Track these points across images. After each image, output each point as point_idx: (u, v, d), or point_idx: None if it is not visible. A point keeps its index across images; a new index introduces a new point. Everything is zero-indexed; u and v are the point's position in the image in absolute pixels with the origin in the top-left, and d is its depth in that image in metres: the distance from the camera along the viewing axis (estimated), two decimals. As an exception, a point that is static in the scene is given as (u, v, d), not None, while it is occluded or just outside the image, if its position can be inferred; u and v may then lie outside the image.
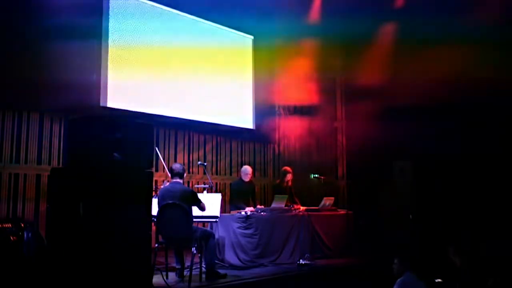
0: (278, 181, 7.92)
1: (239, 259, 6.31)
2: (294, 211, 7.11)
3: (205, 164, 7.54)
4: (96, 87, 6.97)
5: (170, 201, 5.27)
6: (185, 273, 5.50)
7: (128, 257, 4.27)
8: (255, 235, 6.47)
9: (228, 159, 9.07)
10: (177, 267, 5.63)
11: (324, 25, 9.36)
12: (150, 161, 4.85)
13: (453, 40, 8.20)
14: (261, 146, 9.75)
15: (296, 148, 10.31)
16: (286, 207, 7.08)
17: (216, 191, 7.94)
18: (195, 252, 5.22)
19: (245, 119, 9.29)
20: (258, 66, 9.44)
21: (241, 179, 7.38)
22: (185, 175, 5.69)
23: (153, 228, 4.99)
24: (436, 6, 8.47)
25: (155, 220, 5.25)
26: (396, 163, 9.39)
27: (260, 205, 7.67)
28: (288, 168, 7.82)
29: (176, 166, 5.65)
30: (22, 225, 4.70)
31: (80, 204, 4.12)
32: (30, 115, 6.50)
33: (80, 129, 4.49)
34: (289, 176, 7.68)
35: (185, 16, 8.31)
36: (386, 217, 8.82)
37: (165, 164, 6.85)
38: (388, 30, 9.61)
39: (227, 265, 6.24)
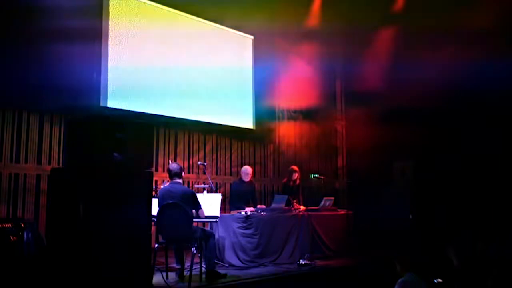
0: (284, 180, 7.99)
1: (239, 259, 6.31)
2: (294, 211, 7.11)
3: (205, 164, 7.54)
4: (96, 87, 6.98)
5: (170, 201, 5.27)
6: (185, 273, 5.50)
7: (128, 257, 4.27)
8: (255, 235, 6.47)
9: (228, 159, 9.07)
10: (177, 267, 5.64)
11: (325, 26, 9.36)
12: (150, 161, 4.85)
13: (453, 41, 8.20)
14: (261, 146, 9.75)
15: (296, 148, 10.30)
16: (286, 207, 7.08)
17: (216, 191, 7.93)
18: (195, 252, 5.22)
19: (245, 119, 9.29)
20: (258, 66, 9.44)
21: (241, 179, 7.38)
22: (183, 174, 5.68)
23: (153, 228, 4.99)
24: (436, 7, 8.46)
25: (155, 220, 5.25)
26: (396, 163, 9.39)
27: (260, 205, 7.67)
28: (295, 167, 7.90)
29: (173, 166, 5.62)
30: (22, 225, 4.70)
31: (80, 204, 4.12)
32: (30, 115, 6.50)
33: (80, 129, 4.48)
34: (295, 175, 7.76)
35: (185, 16, 8.31)
36: (386, 217, 8.81)
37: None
38: (388, 32, 9.60)
39: (227, 265, 6.24)
